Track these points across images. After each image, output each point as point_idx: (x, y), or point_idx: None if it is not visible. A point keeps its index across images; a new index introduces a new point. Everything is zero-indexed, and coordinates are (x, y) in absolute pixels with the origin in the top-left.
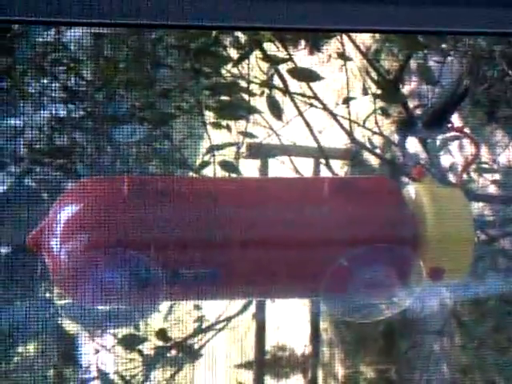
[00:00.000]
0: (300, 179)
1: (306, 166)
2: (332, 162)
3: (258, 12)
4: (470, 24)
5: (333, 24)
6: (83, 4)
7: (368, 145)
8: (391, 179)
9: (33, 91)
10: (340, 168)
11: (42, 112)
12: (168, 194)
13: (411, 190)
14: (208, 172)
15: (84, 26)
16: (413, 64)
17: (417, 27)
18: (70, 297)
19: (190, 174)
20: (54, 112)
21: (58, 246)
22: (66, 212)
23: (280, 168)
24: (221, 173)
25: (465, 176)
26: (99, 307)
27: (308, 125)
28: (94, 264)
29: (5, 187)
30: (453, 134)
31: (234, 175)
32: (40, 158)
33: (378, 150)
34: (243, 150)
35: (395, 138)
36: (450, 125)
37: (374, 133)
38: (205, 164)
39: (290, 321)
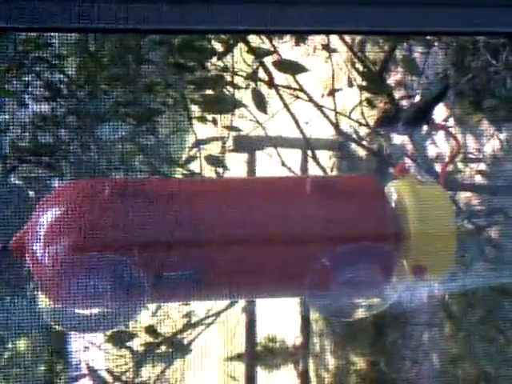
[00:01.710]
0: (282, 178)
1: (293, 158)
2: (319, 153)
3: (248, 15)
4: (451, 24)
5: (320, 25)
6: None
7: (354, 136)
8: (373, 177)
9: (15, 89)
10: (327, 159)
11: (25, 110)
12: (149, 196)
13: (393, 187)
14: (194, 167)
15: (74, 32)
16: (398, 55)
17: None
18: (53, 301)
19: (176, 169)
20: (37, 110)
21: (41, 250)
22: (48, 215)
23: (267, 161)
24: (207, 167)
25: (449, 168)
26: (83, 311)
27: (294, 117)
28: (76, 268)
29: None
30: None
31: (220, 170)
32: (24, 155)
33: (364, 142)
34: (229, 143)
35: (380, 129)
36: (430, 121)
37: (360, 124)
38: (191, 159)
39: (280, 312)
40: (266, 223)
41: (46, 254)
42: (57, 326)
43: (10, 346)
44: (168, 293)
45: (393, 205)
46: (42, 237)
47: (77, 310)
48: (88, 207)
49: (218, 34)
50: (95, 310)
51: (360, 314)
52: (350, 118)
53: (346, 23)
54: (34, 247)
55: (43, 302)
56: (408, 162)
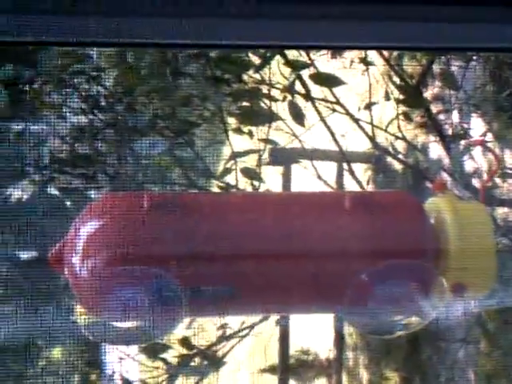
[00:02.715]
0: (320, 193)
1: (328, 171)
2: (355, 166)
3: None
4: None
5: (352, 41)
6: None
7: (391, 150)
8: (412, 193)
9: (55, 101)
10: (363, 173)
11: (64, 122)
12: (187, 210)
13: (432, 204)
14: (230, 180)
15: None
16: (435, 69)
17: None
18: (90, 313)
19: (212, 181)
20: (76, 122)
21: (79, 263)
22: (87, 228)
23: (302, 174)
24: (243, 180)
25: (488, 184)
26: (120, 324)
27: (330, 130)
28: (113, 281)
29: (28, 195)
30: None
31: (255, 182)
32: (62, 167)
33: (400, 155)
34: (265, 156)
35: (418, 143)
36: (470, 139)
37: (397, 138)
38: (227, 171)
39: (314, 325)
40: (303, 238)
41: (84, 267)
42: (94, 339)
43: (44, 354)
44: (204, 307)
45: (432, 222)
46: (80, 249)
47: (114, 323)
48: (127, 220)
49: (254, 49)
50: (132, 323)
51: (398, 331)
52: (386, 131)
53: (383, 39)
54: (73, 260)
55: (81, 313)
56: (446, 177)
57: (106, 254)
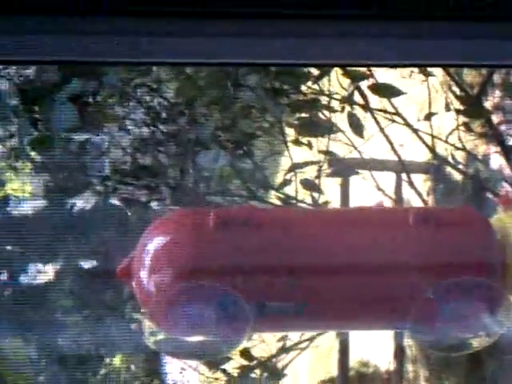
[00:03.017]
0: (386, 210)
1: (387, 182)
2: (414, 176)
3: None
4: None
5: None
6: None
7: (451, 160)
8: (478, 210)
9: (118, 113)
10: (422, 183)
11: (127, 134)
12: (254, 226)
13: (499, 220)
14: (289, 191)
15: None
16: (496, 78)
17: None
18: (158, 327)
19: (272, 192)
20: (138, 134)
21: (147, 278)
22: (155, 244)
23: (361, 185)
24: (302, 191)
25: None
26: (186, 338)
27: (389, 140)
28: (181, 296)
29: (90, 206)
30: None
31: (315, 194)
32: (125, 178)
33: (460, 166)
34: (324, 167)
35: (479, 153)
36: None
37: (457, 148)
38: (286, 183)
39: (374, 337)
40: (370, 255)
41: (152, 282)
42: (161, 352)
43: (106, 362)
44: (270, 323)
45: (499, 238)
46: (148, 265)
47: (181, 337)
48: (194, 236)
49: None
50: (199, 338)
51: (465, 348)
52: (446, 142)
53: (437, 56)
54: (141, 274)
55: (148, 327)
56: (507, 188)
57: (173, 269)
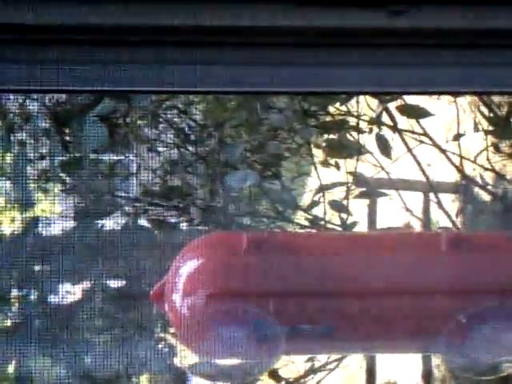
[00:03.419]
0: (419, 233)
1: (416, 203)
2: (442, 197)
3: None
4: None
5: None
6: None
7: (479, 181)
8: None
9: (147, 135)
10: (451, 203)
11: (156, 155)
12: (285, 250)
13: None
14: (318, 212)
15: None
16: None
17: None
18: (191, 350)
19: (300, 213)
20: (167, 155)
21: (180, 302)
22: (187, 268)
23: (390, 205)
24: (330, 212)
25: None
26: (220, 361)
27: (417, 161)
28: (214, 320)
29: (120, 227)
30: None
31: (343, 215)
32: (154, 199)
33: (489, 187)
34: (353, 188)
35: (507, 173)
36: None
37: (486, 169)
38: (314, 204)
39: (402, 358)
40: (400, 279)
41: (185, 305)
42: (195, 375)
43: (134, 382)
44: (301, 345)
45: None
46: (181, 288)
47: (214, 361)
48: (226, 260)
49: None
50: (232, 361)
51: (498, 372)
52: (474, 162)
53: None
54: (174, 298)
55: (182, 350)
56: None
57: (206, 292)
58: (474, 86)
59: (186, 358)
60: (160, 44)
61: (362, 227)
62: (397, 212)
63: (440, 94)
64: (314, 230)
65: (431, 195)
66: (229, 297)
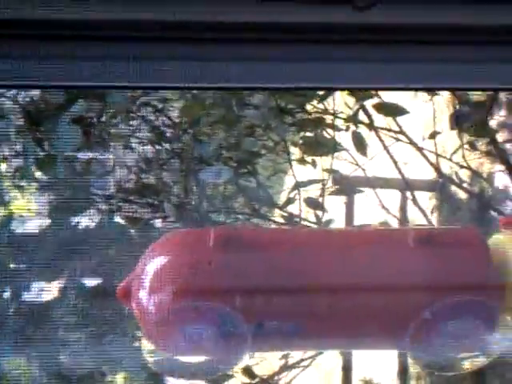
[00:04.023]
0: (387, 230)
1: (392, 200)
2: (418, 194)
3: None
4: None
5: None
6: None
7: (455, 179)
8: (477, 230)
9: (122, 132)
10: (427, 201)
11: (131, 152)
12: (252, 246)
13: (497, 240)
14: (293, 209)
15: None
16: (502, 97)
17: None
18: (157, 347)
19: (276, 211)
20: (142, 152)
21: (146, 299)
22: (154, 265)
23: (365, 203)
24: (306, 210)
25: None
26: (185, 359)
27: (393, 159)
28: (180, 317)
29: (94, 224)
30: None
31: (319, 212)
32: (128, 196)
33: (465, 185)
34: (328, 186)
35: (483, 172)
36: None
37: (462, 167)
38: (290, 201)
39: (377, 355)
40: (367, 275)
41: (151, 303)
42: (160, 372)
43: (109, 379)
44: (268, 343)
45: (497, 259)
46: (147, 285)
47: (179, 358)
48: (192, 257)
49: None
50: (197, 358)
51: (461, 369)
52: (451, 160)
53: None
54: (140, 295)
55: (147, 347)
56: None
57: (171, 290)
58: (445, 82)
59: (153, 356)
60: (116, 39)
61: (337, 224)
62: (373, 209)
63: (408, 90)
64: (288, 227)
65: (407, 193)
66: (195, 294)
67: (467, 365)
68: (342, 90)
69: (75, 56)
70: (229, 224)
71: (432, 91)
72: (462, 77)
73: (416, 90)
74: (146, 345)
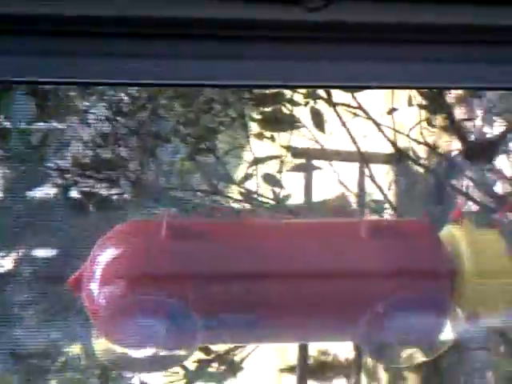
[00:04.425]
0: (339, 222)
1: (350, 176)
2: (375, 168)
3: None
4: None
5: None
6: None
7: (412, 155)
8: (429, 222)
9: (79, 106)
10: (385, 175)
11: (87, 127)
12: (205, 237)
13: (449, 233)
14: (251, 185)
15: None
16: None
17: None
18: (108, 340)
19: (233, 187)
20: (99, 127)
21: (97, 291)
22: (105, 256)
23: (323, 179)
24: (264, 186)
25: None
26: (136, 351)
27: (351, 135)
28: (130, 309)
29: (50, 198)
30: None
31: (276, 189)
32: (85, 171)
33: (422, 161)
34: (287, 162)
35: (440, 148)
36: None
37: (419, 143)
38: (248, 177)
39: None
40: (321, 267)
41: (102, 295)
42: (110, 364)
43: (66, 349)
44: (220, 335)
45: (449, 252)
46: (98, 277)
47: (130, 350)
48: (144, 248)
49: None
50: (149, 351)
51: (413, 359)
52: (408, 136)
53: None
54: (91, 286)
55: (98, 339)
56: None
57: (123, 281)
58: (396, 81)
59: (103, 347)
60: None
61: (295, 200)
62: (331, 185)
63: (364, 88)
64: (246, 204)
65: (365, 169)
66: (147, 286)
67: (418, 357)
68: (292, 88)
69: (18, 51)
70: (186, 200)
71: (378, 89)
72: (419, 75)
73: (369, 88)
74: (96, 336)
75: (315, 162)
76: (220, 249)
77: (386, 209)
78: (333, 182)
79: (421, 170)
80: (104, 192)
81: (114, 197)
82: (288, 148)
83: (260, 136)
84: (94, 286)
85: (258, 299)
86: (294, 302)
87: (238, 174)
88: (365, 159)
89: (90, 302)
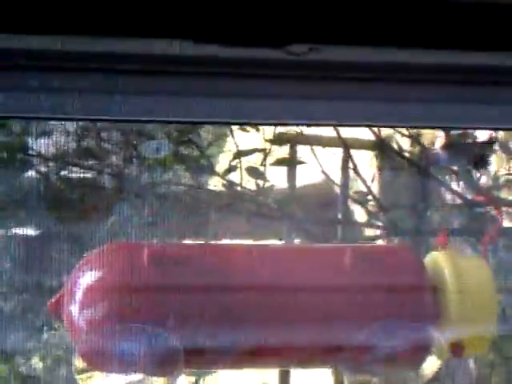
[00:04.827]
0: (321, 248)
1: (333, 169)
2: (359, 154)
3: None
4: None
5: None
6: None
7: (396, 147)
8: (412, 248)
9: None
10: (370, 160)
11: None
12: (186, 264)
13: (433, 259)
14: (234, 178)
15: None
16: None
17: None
18: (87, 364)
19: (216, 179)
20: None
21: (77, 315)
22: (84, 281)
23: (307, 171)
24: (247, 178)
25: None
26: (118, 378)
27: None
28: (111, 335)
29: (31, 187)
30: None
31: (260, 182)
32: (67, 160)
33: (405, 153)
34: (270, 154)
35: (421, 137)
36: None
37: (403, 135)
38: (231, 169)
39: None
40: (301, 295)
41: (83, 320)
42: None
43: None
44: (203, 362)
45: (433, 279)
46: (78, 301)
47: (112, 377)
48: (125, 273)
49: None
50: (130, 379)
51: None
52: (393, 127)
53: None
54: (71, 311)
55: (78, 363)
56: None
57: (103, 307)
58: (380, 121)
59: (83, 373)
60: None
61: (279, 192)
62: (315, 179)
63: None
64: (229, 196)
65: (349, 160)
66: (127, 312)
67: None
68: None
69: None
70: (169, 194)
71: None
72: (398, 116)
73: (348, 126)
74: (76, 361)
75: (299, 148)
76: (200, 275)
77: (369, 200)
78: (316, 173)
79: (404, 161)
80: (88, 182)
81: (96, 187)
82: (273, 141)
83: (244, 128)
84: (75, 311)
85: (240, 327)
86: (276, 329)
87: (222, 166)
88: (347, 145)
89: (71, 326)
